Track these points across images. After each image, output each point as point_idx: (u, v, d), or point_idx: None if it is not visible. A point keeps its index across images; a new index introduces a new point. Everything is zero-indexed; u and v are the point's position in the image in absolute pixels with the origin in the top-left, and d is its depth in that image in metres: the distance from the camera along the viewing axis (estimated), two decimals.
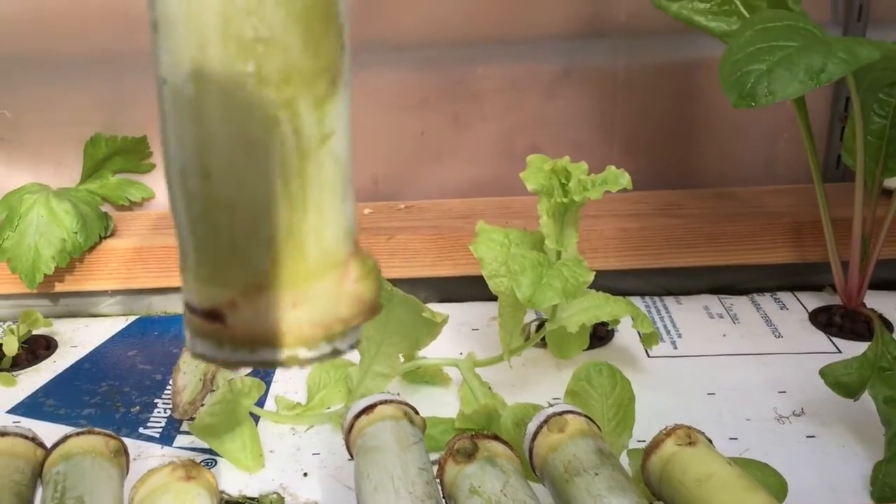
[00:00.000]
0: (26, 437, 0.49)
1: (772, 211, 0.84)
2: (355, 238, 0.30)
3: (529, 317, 0.77)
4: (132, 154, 0.92)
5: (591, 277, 0.60)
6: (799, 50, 0.57)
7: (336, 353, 0.30)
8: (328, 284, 0.29)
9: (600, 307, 0.67)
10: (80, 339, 0.82)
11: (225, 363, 0.30)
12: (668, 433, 0.48)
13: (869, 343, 0.71)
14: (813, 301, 0.82)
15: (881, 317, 0.77)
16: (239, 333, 0.29)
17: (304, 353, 0.29)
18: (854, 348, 0.73)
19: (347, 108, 0.29)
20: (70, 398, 0.71)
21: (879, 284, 0.81)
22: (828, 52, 0.56)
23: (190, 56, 0.27)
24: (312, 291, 0.29)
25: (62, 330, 0.83)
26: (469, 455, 0.46)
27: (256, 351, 0.29)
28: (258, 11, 0.26)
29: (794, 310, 0.81)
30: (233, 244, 0.28)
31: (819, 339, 0.75)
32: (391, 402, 0.51)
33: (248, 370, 0.74)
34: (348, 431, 0.51)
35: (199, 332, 0.30)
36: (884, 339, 0.60)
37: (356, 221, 0.30)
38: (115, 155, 0.91)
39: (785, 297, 0.83)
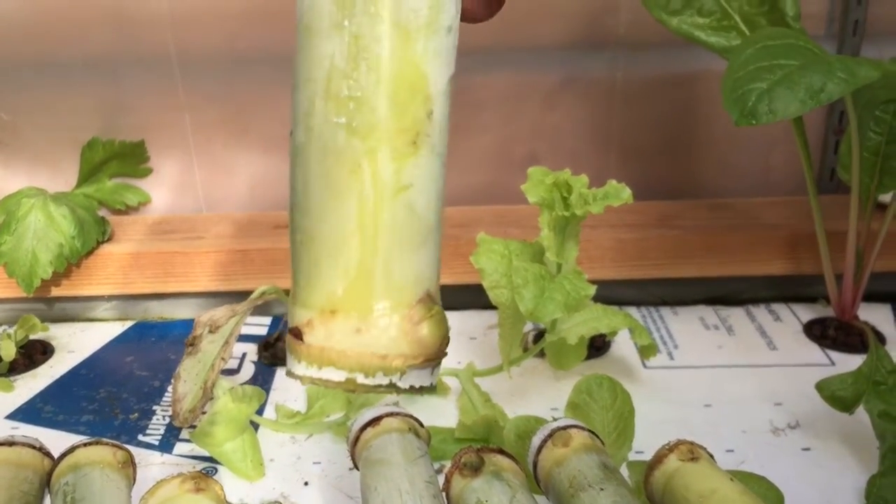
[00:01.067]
0: (34, 447, 0.49)
1: (767, 223, 0.85)
2: (430, 288, 0.34)
3: (527, 327, 0.78)
4: (129, 158, 0.91)
5: (592, 291, 0.60)
6: (799, 69, 0.57)
7: (392, 387, 0.34)
8: (392, 320, 0.33)
9: (599, 319, 0.67)
10: (77, 344, 0.82)
11: (300, 377, 0.34)
12: (670, 448, 0.48)
13: (862, 355, 0.72)
14: (807, 313, 0.83)
15: (874, 330, 0.78)
16: (312, 351, 0.33)
17: (361, 378, 0.33)
18: (847, 361, 0.74)
19: (433, 169, 0.33)
20: (68, 404, 0.71)
21: (872, 297, 0.82)
22: (828, 72, 0.56)
23: (304, 110, 0.33)
24: (376, 322, 0.33)
25: (59, 335, 0.83)
26: (475, 469, 0.47)
27: (323, 369, 0.33)
28: (353, 75, 0.31)
29: (788, 321, 0.82)
30: (316, 270, 0.33)
31: (813, 352, 0.76)
32: (397, 414, 0.51)
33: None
34: (353, 443, 0.51)
35: (289, 348, 0.35)
36: (878, 354, 0.61)
37: (436, 274, 0.35)
38: (112, 159, 0.91)
39: (779, 308, 0.84)
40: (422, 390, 0.34)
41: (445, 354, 0.35)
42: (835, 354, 0.75)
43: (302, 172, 0.33)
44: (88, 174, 0.91)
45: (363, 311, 0.33)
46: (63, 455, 0.49)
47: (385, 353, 0.33)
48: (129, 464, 0.49)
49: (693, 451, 0.48)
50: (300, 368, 0.34)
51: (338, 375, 0.33)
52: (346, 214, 0.33)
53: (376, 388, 0.33)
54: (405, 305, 0.33)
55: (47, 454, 0.50)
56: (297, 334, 0.34)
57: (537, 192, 0.64)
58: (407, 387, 0.33)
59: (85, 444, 0.49)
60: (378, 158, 0.32)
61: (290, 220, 0.34)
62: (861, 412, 0.59)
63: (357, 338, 0.33)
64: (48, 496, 0.49)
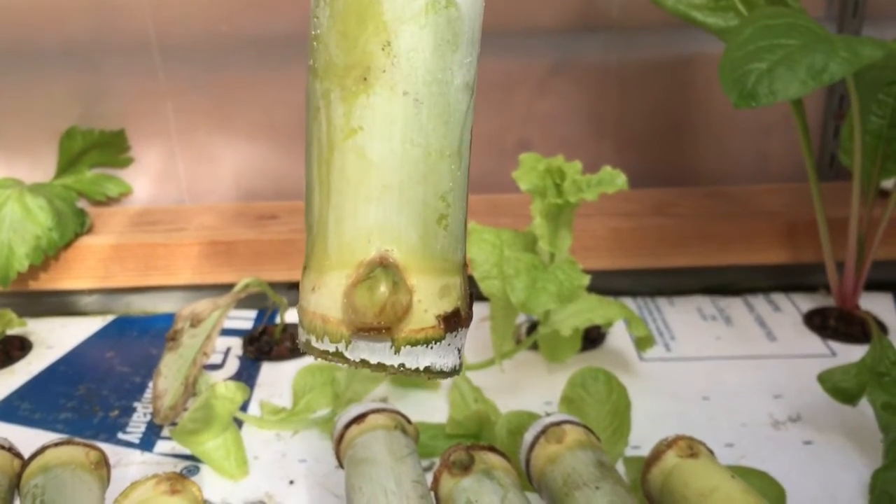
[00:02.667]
0: (3, 448, 0.47)
1: (766, 210, 0.83)
2: (393, 250, 0.30)
3: (520, 319, 0.76)
4: (109, 148, 0.89)
5: (586, 281, 0.59)
6: (800, 48, 0.55)
7: (339, 356, 0.30)
8: (338, 279, 0.30)
9: (594, 310, 0.65)
10: (55, 339, 0.79)
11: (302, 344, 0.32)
12: (668, 444, 0.46)
13: (863, 346, 0.70)
14: (806, 302, 0.81)
15: (875, 319, 0.76)
16: (302, 309, 0.31)
17: (314, 341, 0.30)
18: (848, 351, 0.72)
19: (392, 110, 0.29)
20: (46, 401, 0.69)
21: (873, 286, 0.80)
22: (830, 52, 0.54)
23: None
24: (325, 281, 0.30)
25: (37, 330, 0.81)
26: (465, 467, 0.45)
27: (300, 328, 0.31)
28: (315, 12, 0.29)
29: (787, 311, 0.80)
30: (309, 226, 0.31)
31: (813, 342, 0.74)
32: (384, 410, 0.49)
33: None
34: (338, 441, 0.49)
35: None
36: (882, 344, 0.59)
37: (406, 234, 0.30)
38: (91, 149, 0.88)
39: (778, 298, 0.83)
40: (379, 367, 0.30)
41: (395, 334, 0.30)
42: (835, 345, 0.74)
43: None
44: (67, 164, 0.88)
45: (319, 268, 0.30)
46: (33, 456, 0.47)
47: (326, 316, 0.30)
48: (103, 464, 0.47)
49: (692, 447, 0.46)
50: (302, 333, 0.31)
51: (302, 335, 0.31)
52: (311, 164, 0.30)
53: (326, 355, 0.30)
54: (352, 265, 0.29)
55: (17, 455, 0.48)
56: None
57: (529, 180, 0.62)
58: (357, 359, 0.30)
59: (56, 444, 0.47)
60: (331, 100, 0.29)
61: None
62: (863, 404, 0.58)
63: (312, 296, 0.30)
64: (18, 499, 0.46)
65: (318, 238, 0.30)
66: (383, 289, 0.29)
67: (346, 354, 0.30)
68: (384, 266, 0.29)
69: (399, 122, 0.29)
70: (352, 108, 0.29)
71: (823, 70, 0.53)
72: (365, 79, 0.29)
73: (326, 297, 0.30)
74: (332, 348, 0.30)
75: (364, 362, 0.30)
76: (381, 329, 0.29)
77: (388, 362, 0.30)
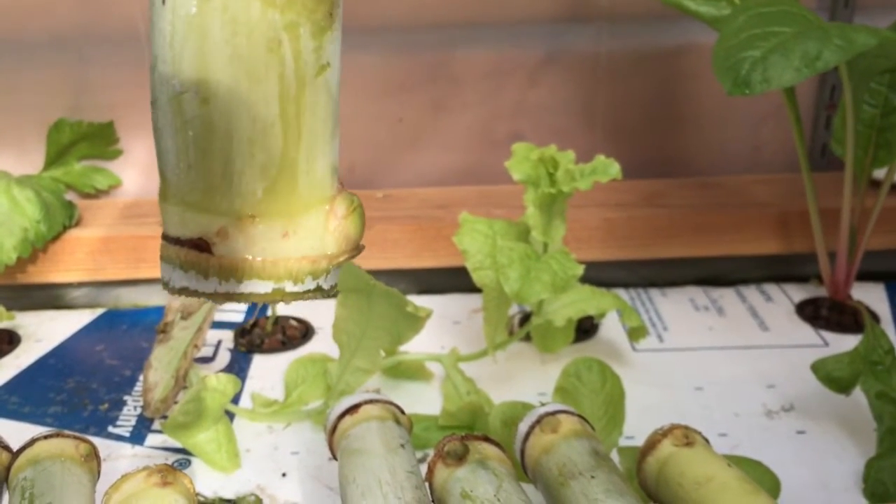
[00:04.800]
0: None
1: (758, 201, 0.83)
2: (339, 178, 0.31)
3: (513, 310, 0.75)
4: (98, 140, 0.88)
5: (580, 271, 0.58)
6: (794, 36, 0.55)
7: (319, 291, 0.30)
8: (317, 218, 0.30)
9: (587, 300, 0.65)
10: (44, 332, 0.78)
11: (210, 296, 0.30)
12: (664, 433, 0.46)
13: (856, 336, 0.70)
14: (799, 293, 0.81)
15: (868, 309, 0.76)
16: (227, 263, 0.29)
17: (290, 286, 0.29)
18: (841, 341, 0.72)
19: (339, 44, 0.30)
20: (35, 395, 0.68)
21: (865, 276, 0.80)
22: (824, 39, 0.54)
23: None
24: (302, 223, 0.29)
25: (25, 323, 0.80)
26: (459, 457, 0.44)
27: (243, 282, 0.29)
28: None
29: (779, 302, 0.80)
30: (227, 170, 0.28)
31: (806, 332, 0.74)
32: (377, 401, 0.49)
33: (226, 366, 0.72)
34: (331, 432, 0.49)
35: (182, 265, 0.30)
36: (875, 333, 0.59)
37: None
38: (80, 141, 0.87)
39: (770, 288, 0.82)
40: (333, 290, 0.31)
41: (363, 248, 0.32)
42: (828, 335, 0.74)
43: (199, 54, 0.28)
44: (56, 156, 0.87)
45: (289, 211, 0.29)
46: (22, 448, 0.46)
47: (314, 256, 0.29)
48: (93, 457, 0.47)
49: (688, 436, 0.46)
50: (209, 285, 0.29)
51: (263, 287, 0.29)
52: (265, 100, 0.28)
53: (304, 295, 0.30)
54: (327, 200, 0.30)
55: (6, 448, 0.47)
56: (203, 246, 0.29)
57: (522, 169, 0.61)
58: (328, 287, 0.30)
59: (45, 437, 0.46)
60: (300, 34, 0.28)
61: (167, 111, 0.29)
62: (856, 393, 0.58)
63: (284, 243, 0.29)
64: (6, 492, 0.46)
65: (281, 182, 0.29)
66: (363, 212, 0.30)
67: (324, 286, 0.30)
68: (347, 193, 0.30)
69: (339, 54, 0.30)
70: (322, 44, 0.29)
71: (817, 57, 0.53)
72: (331, 14, 0.29)
73: (307, 239, 0.29)
74: (312, 286, 0.30)
75: (332, 288, 0.30)
76: (361, 250, 0.30)
77: (336, 282, 0.31)
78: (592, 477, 0.43)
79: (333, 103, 0.29)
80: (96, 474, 0.47)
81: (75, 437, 0.47)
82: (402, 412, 0.50)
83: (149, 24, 0.29)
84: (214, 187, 0.28)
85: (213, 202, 0.29)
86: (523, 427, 0.48)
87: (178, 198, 0.29)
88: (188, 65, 0.28)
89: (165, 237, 0.30)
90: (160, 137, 0.29)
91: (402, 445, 0.46)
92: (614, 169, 0.59)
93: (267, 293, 0.29)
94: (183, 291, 0.30)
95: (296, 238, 0.29)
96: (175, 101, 0.28)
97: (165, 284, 0.31)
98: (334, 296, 0.32)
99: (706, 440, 0.47)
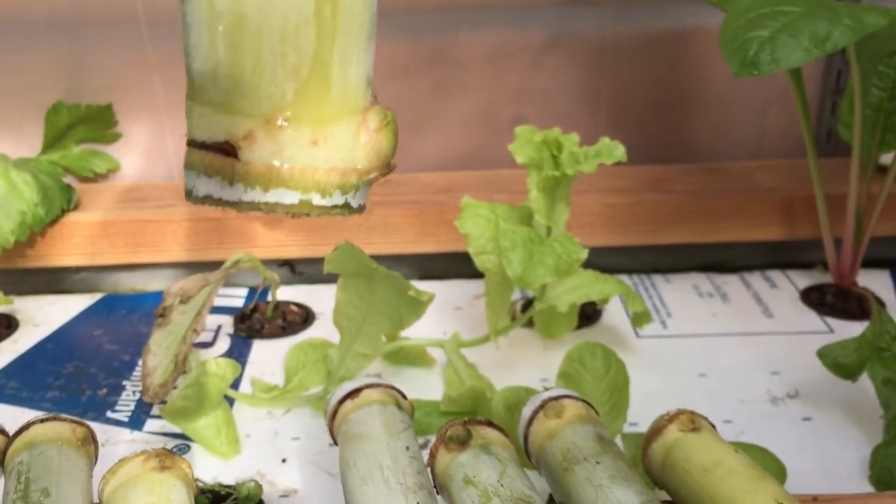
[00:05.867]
0: None
1: (763, 187, 0.82)
2: (373, 89, 0.29)
3: (516, 296, 0.75)
4: (97, 123, 0.87)
5: (584, 255, 0.57)
6: (803, 15, 0.54)
7: (347, 208, 0.29)
8: (349, 128, 0.28)
9: (590, 286, 0.64)
10: (42, 317, 0.78)
11: (235, 205, 0.29)
12: (670, 419, 0.45)
13: (861, 322, 0.69)
14: (803, 279, 0.81)
15: (874, 296, 0.75)
16: (253, 169, 0.28)
17: (317, 199, 0.28)
18: (846, 328, 0.72)
19: None
20: (33, 380, 0.68)
21: (871, 263, 0.80)
22: (833, 18, 0.53)
23: None
24: (333, 131, 0.28)
25: (24, 308, 0.79)
26: (462, 442, 0.44)
27: (270, 190, 0.28)
28: None
29: (784, 288, 0.79)
30: (257, 68, 0.27)
31: (811, 319, 0.74)
32: (378, 385, 0.48)
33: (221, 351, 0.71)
34: (332, 417, 0.48)
35: (206, 170, 0.29)
36: (882, 319, 0.58)
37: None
38: (78, 124, 0.87)
39: (775, 275, 0.82)
40: (361, 209, 0.30)
41: (394, 167, 0.31)
42: (833, 322, 0.73)
43: None
44: (54, 140, 0.87)
45: (319, 117, 0.28)
46: (18, 432, 0.45)
47: (343, 169, 0.28)
48: (90, 441, 0.46)
49: (694, 421, 0.45)
50: (234, 193, 0.28)
51: (290, 198, 0.28)
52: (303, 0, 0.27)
53: (330, 210, 0.29)
54: (360, 110, 0.29)
55: (2, 432, 0.47)
56: (229, 150, 0.28)
57: (525, 152, 0.61)
58: (356, 205, 0.29)
59: (42, 421, 0.45)
60: None
61: (196, 7, 0.28)
62: (862, 380, 0.57)
63: (313, 151, 0.28)
64: (2, 476, 0.45)
65: (312, 85, 0.28)
66: (396, 127, 0.29)
67: (352, 203, 0.29)
68: (380, 107, 0.29)
69: None
70: None
71: (827, 38, 0.52)
72: None
73: (337, 149, 0.28)
74: (340, 201, 0.29)
75: (360, 207, 0.29)
76: (391, 170, 0.29)
77: (364, 202, 0.30)
78: (597, 462, 0.42)
79: (371, 6, 0.28)
80: (93, 458, 0.46)
81: (72, 421, 0.46)
82: (404, 397, 0.49)
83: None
84: (243, 86, 0.27)
85: (240, 102, 0.28)
86: (527, 412, 0.47)
87: (204, 97, 0.28)
88: None
89: (190, 143, 0.29)
90: (189, 33, 0.28)
91: (404, 430, 0.45)
92: (619, 151, 0.58)
93: (293, 204, 0.28)
94: (206, 200, 0.29)
95: (326, 147, 0.28)
96: None
97: (189, 194, 0.29)
98: (360, 212, 0.30)
99: (712, 426, 0.46)
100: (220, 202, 0.28)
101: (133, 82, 0.87)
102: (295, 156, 0.28)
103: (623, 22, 0.86)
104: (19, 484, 0.42)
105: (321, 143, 0.28)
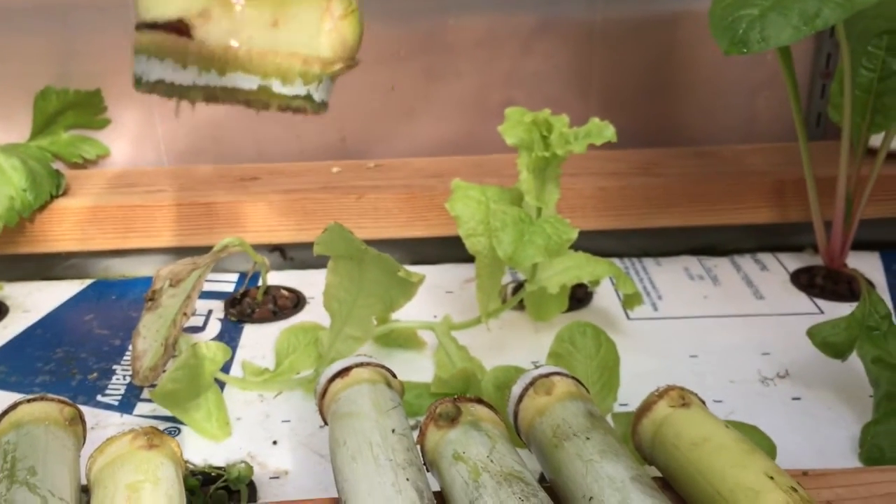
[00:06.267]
0: None
1: (753, 170, 0.82)
2: None
3: (506, 279, 0.75)
4: (85, 108, 0.87)
5: (574, 235, 0.57)
6: None
7: (309, 100, 0.28)
8: (312, 11, 0.27)
9: (581, 267, 0.64)
10: (32, 303, 0.77)
11: (188, 91, 0.27)
12: (660, 395, 0.45)
13: (850, 304, 0.69)
14: (793, 262, 0.81)
15: (863, 278, 0.75)
16: (208, 49, 0.26)
17: (278, 86, 0.27)
18: (836, 309, 0.72)
19: None
20: (22, 365, 0.67)
21: (861, 245, 0.80)
22: None
23: None
24: (294, 14, 0.26)
25: (13, 294, 0.79)
26: (452, 419, 0.44)
27: (226, 74, 0.27)
28: None
29: (774, 271, 0.79)
30: None
31: (801, 301, 0.74)
32: (367, 364, 0.48)
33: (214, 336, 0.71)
34: (321, 396, 0.48)
35: (157, 52, 0.27)
36: (871, 299, 0.58)
37: None
38: (67, 109, 0.86)
39: (765, 257, 0.82)
40: (324, 106, 0.28)
41: (358, 62, 0.29)
42: (823, 303, 0.73)
43: None
44: (43, 125, 0.86)
45: None
46: (5, 412, 0.45)
47: (305, 56, 0.27)
48: (78, 421, 0.46)
49: (684, 397, 0.45)
50: (187, 76, 0.27)
51: (248, 83, 0.27)
52: None
53: (291, 101, 0.27)
54: None
55: None
56: (182, 29, 0.26)
57: (516, 133, 0.60)
58: (319, 99, 0.28)
59: (29, 401, 0.45)
60: None
61: None
62: (851, 359, 0.57)
63: (273, 33, 0.26)
64: None
65: None
66: (361, 16, 0.27)
67: (315, 96, 0.27)
68: None
69: None
70: None
71: (816, 15, 0.52)
72: None
73: (299, 33, 0.26)
74: (302, 92, 0.27)
75: (322, 103, 0.28)
76: (355, 65, 0.28)
77: (327, 98, 0.28)
78: (587, 438, 0.42)
79: None
80: (81, 438, 0.46)
81: (60, 401, 0.46)
82: (394, 376, 0.49)
83: None
84: None
85: None
86: (517, 389, 0.47)
87: None
88: None
89: (139, 24, 0.28)
90: None
91: (394, 408, 0.45)
92: (609, 132, 0.58)
93: (251, 90, 0.27)
94: (157, 87, 0.27)
95: (286, 30, 0.26)
96: None
97: (138, 81, 0.28)
98: (323, 109, 0.28)
99: (702, 402, 0.46)
100: (172, 88, 0.27)
101: (122, 68, 0.86)
102: (254, 37, 0.26)
103: (613, 6, 0.86)
104: (6, 462, 0.41)
105: (282, 25, 0.26)
